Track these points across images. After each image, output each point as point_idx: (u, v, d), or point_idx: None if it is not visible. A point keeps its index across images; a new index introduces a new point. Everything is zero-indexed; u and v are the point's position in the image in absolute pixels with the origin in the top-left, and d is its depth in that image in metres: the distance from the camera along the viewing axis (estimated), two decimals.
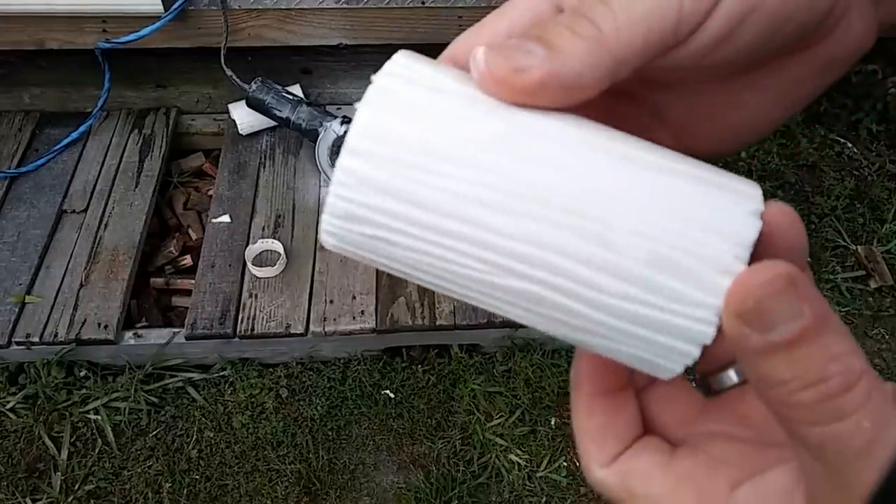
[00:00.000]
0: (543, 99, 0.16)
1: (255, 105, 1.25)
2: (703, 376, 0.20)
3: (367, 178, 0.16)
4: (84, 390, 1.15)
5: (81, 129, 1.34)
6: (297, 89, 1.34)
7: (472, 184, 0.16)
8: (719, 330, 0.15)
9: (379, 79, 0.16)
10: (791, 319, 0.14)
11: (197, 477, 1.09)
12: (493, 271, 0.16)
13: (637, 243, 0.15)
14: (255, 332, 1.11)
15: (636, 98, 0.20)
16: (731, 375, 0.19)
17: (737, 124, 0.20)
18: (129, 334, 1.13)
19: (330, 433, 1.13)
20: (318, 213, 1.26)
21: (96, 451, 1.11)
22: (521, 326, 1.15)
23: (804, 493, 0.16)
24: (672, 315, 0.15)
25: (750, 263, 0.15)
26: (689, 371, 0.17)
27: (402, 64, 0.17)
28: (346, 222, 0.17)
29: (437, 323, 1.13)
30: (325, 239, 0.18)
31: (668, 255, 0.15)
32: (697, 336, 0.15)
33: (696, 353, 0.16)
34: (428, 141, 0.16)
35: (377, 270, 1.19)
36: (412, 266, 0.17)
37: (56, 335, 1.10)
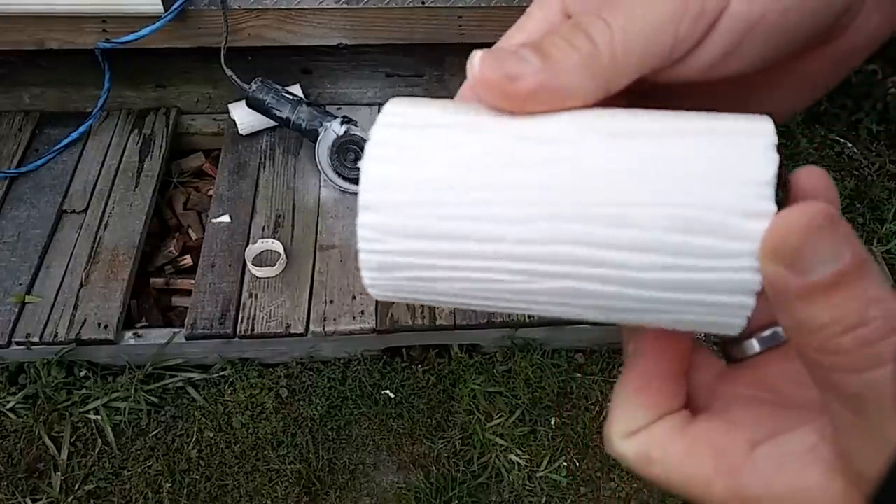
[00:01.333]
0: (534, 106, 0.16)
1: (255, 105, 1.25)
2: (725, 344, 0.20)
3: (386, 228, 0.17)
4: (84, 390, 1.15)
5: (81, 129, 1.34)
6: (297, 89, 1.34)
7: (481, 204, 0.16)
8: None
9: (375, 133, 0.17)
10: (832, 260, 0.13)
11: (197, 477, 1.09)
12: (528, 279, 0.16)
13: (653, 212, 0.15)
14: (255, 332, 1.11)
15: (646, 95, 0.20)
16: (754, 344, 0.19)
17: None
18: (129, 334, 1.13)
19: (330, 433, 1.13)
20: (318, 213, 1.26)
21: (96, 451, 1.11)
22: (521, 326, 1.16)
23: (828, 452, 0.15)
24: (713, 272, 0.15)
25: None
26: (709, 338, 0.17)
27: (394, 112, 0.18)
28: (382, 272, 0.18)
29: (437, 323, 1.13)
30: (371, 292, 0.19)
31: (688, 214, 0.15)
32: (746, 285, 0.15)
33: (750, 301, 0.15)
34: (431, 177, 0.16)
35: None
36: (455, 294, 0.18)
37: (56, 335, 1.10)
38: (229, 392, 1.16)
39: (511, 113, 0.17)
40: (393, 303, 1.15)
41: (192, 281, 1.18)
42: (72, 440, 1.12)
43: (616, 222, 0.15)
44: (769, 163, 0.15)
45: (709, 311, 0.16)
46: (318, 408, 1.15)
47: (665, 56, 0.16)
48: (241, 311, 1.13)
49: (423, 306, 1.15)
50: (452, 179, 0.16)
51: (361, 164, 0.17)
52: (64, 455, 1.10)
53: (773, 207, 0.15)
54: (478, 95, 0.17)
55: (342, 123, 1.23)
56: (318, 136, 1.24)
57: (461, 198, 0.16)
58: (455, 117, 0.17)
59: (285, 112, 1.24)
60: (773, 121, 0.16)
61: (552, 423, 1.16)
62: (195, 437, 1.12)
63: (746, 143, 0.15)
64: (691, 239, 0.15)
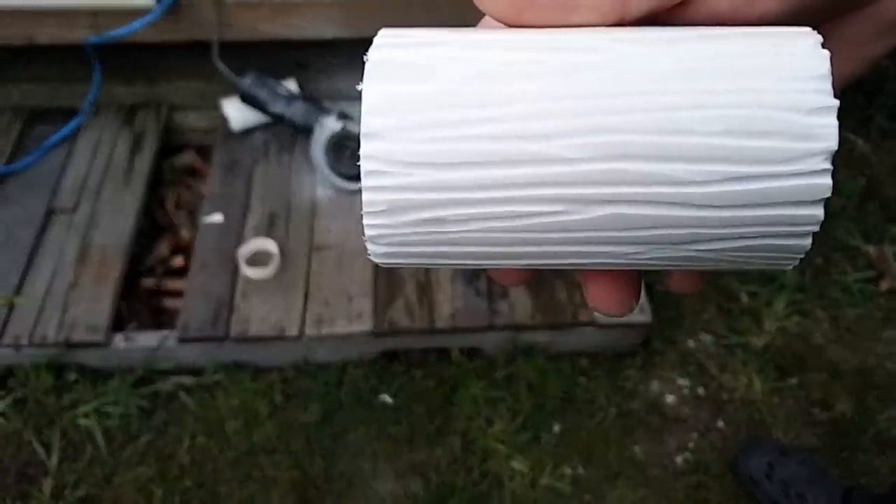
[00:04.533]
0: (546, 15, 0.14)
1: (249, 100, 1.22)
2: None
3: (394, 156, 0.14)
4: (74, 394, 1.12)
5: (71, 125, 1.31)
6: (292, 84, 1.30)
7: (506, 119, 0.14)
8: None
9: (371, 55, 0.15)
10: None
11: (189, 484, 1.07)
12: (564, 208, 0.14)
13: (709, 116, 0.13)
14: (249, 334, 1.09)
15: None
16: None
17: None
18: (119, 337, 1.11)
19: (326, 439, 1.10)
20: (314, 212, 1.23)
21: (87, 456, 1.09)
22: (524, 329, 1.12)
23: None
24: (777, 179, 0.14)
25: None
26: None
27: (389, 34, 0.16)
28: (390, 217, 0.15)
29: (437, 325, 1.10)
30: (374, 249, 0.16)
31: (748, 115, 0.13)
32: (815, 191, 0.14)
33: (820, 213, 0.14)
34: (444, 92, 0.14)
35: (374, 271, 1.16)
36: (472, 243, 0.15)
37: (45, 337, 1.08)
38: (222, 397, 1.13)
39: (520, 31, 0.15)
40: (391, 305, 1.12)
41: (184, 282, 1.16)
42: (62, 445, 1.09)
43: (667, 129, 0.13)
44: (823, 58, 0.14)
45: (779, 231, 0.14)
46: (314, 413, 1.12)
47: None
48: (233, 314, 1.10)
49: (421, 308, 1.12)
50: (469, 93, 0.14)
51: (361, 87, 0.15)
52: (54, 460, 1.08)
53: (836, 102, 0.13)
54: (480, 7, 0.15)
55: (338, 119, 1.20)
56: (313, 133, 1.21)
57: (481, 114, 0.14)
58: (461, 35, 0.15)
59: (279, 108, 1.21)
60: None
61: (555, 429, 1.13)
62: (187, 443, 1.10)
63: (794, 40, 0.14)
64: (754, 142, 0.13)
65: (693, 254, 0.15)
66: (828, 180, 0.14)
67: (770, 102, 0.13)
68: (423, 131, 0.14)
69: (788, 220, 0.14)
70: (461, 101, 0.14)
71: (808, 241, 0.14)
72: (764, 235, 0.14)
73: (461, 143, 0.14)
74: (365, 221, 0.15)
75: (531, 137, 0.14)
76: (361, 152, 0.14)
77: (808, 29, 0.14)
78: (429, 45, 0.15)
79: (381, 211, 0.15)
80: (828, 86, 0.13)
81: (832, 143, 0.13)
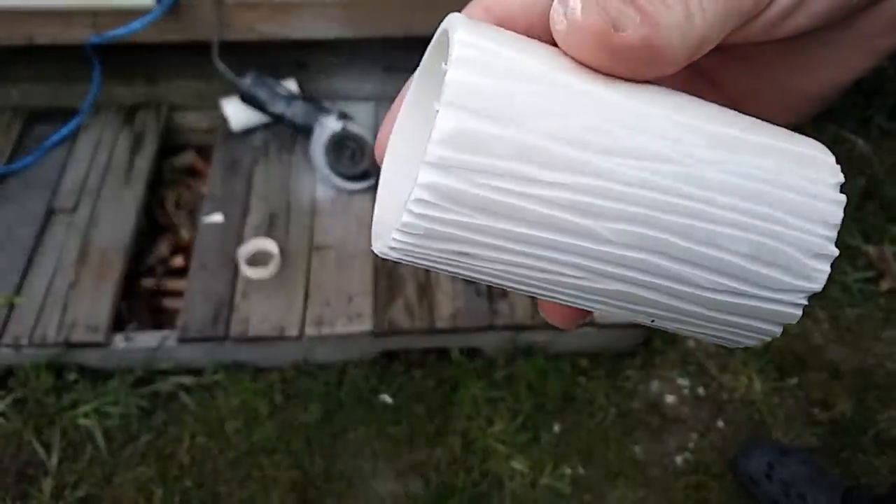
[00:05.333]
0: (628, 66, 0.15)
1: (249, 100, 1.22)
2: None
3: (450, 194, 0.14)
4: (74, 394, 1.12)
5: (71, 125, 1.31)
6: (292, 84, 1.30)
7: (570, 190, 0.14)
8: None
9: (455, 72, 0.14)
10: None
11: (189, 484, 1.07)
12: (591, 277, 0.15)
13: (742, 237, 0.15)
14: (249, 334, 1.09)
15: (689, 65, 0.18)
16: None
17: (802, 89, 0.18)
18: (119, 337, 1.10)
19: (326, 439, 1.10)
20: (314, 212, 1.23)
21: (87, 456, 1.09)
22: (524, 329, 1.12)
23: None
24: (766, 302, 0.16)
25: None
26: None
27: (474, 45, 0.15)
28: (424, 240, 0.15)
29: (437, 325, 1.10)
30: (387, 253, 0.16)
31: (769, 246, 0.15)
32: (787, 318, 0.16)
33: (779, 331, 0.16)
34: (521, 145, 0.14)
35: (374, 271, 1.16)
36: (492, 275, 0.16)
37: (45, 337, 1.08)
38: (222, 397, 1.13)
39: (593, 73, 0.15)
40: (391, 305, 1.12)
41: (184, 282, 1.15)
42: (62, 445, 1.09)
43: (705, 240, 0.15)
44: (839, 205, 0.16)
45: (740, 333, 0.17)
46: (314, 413, 1.12)
47: (746, 12, 0.15)
48: (233, 314, 1.10)
49: (421, 308, 1.12)
50: (545, 154, 0.14)
51: (440, 104, 0.14)
52: (54, 460, 1.08)
53: (836, 252, 0.16)
54: (563, 45, 0.15)
55: (338, 119, 1.20)
56: (313, 133, 1.21)
57: (550, 177, 0.14)
58: (545, 69, 0.15)
59: (279, 108, 1.21)
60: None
61: (555, 429, 1.13)
62: (187, 442, 1.10)
63: (823, 178, 0.16)
64: (765, 270, 0.15)
65: (668, 325, 0.17)
66: (799, 313, 0.16)
67: (790, 239, 0.15)
68: (490, 178, 0.14)
69: (754, 329, 0.16)
70: (536, 159, 0.14)
71: (756, 343, 0.17)
72: (730, 332, 0.16)
73: (521, 201, 0.14)
74: (394, 235, 0.15)
75: (586, 213, 0.14)
76: (421, 178, 0.14)
77: (830, 157, 0.16)
78: (516, 79, 0.14)
79: (416, 234, 0.15)
80: (835, 234, 0.16)
81: (819, 286, 0.16)
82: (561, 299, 0.17)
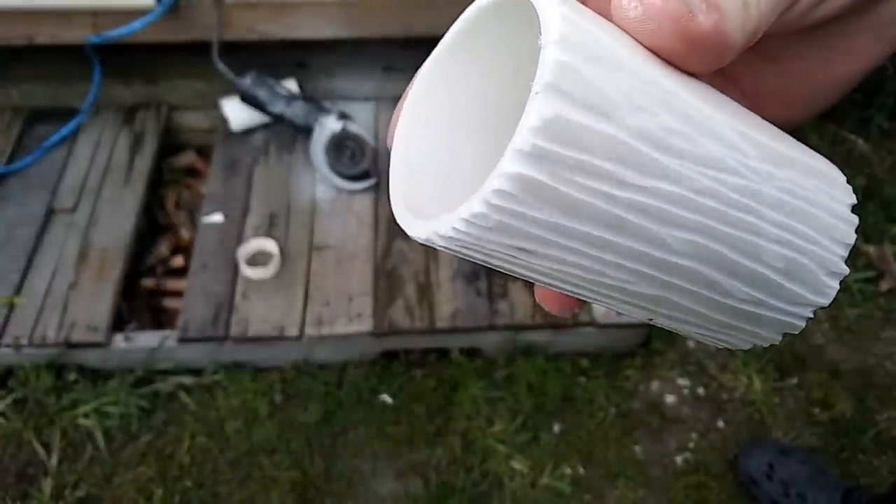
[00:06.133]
0: (699, 56, 0.15)
1: (249, 100, 1.22)
2: None
3: (532, 187, 0.13)
4: (74, 394, 1.12)
5: (71, 125, 1.31)
6: (292, 84, 1.30)
7: (650, 195, 0.14)
8: None
9: (559, 52, 0.13)
10: None
11: (189, 484, 1.07)
12: (636, 281, 0.15)
13: (779, 252, 0.15)
14: (249, 335, 1.09)
15: None
16: None
17: (820, 82, 0.18)
18: (119, 337, 1.10)
19: (326, 440, 1.10)
20: (314, 212, 1.23)
21: (87, 456, 1.09)
22: (523, 329, 1.12)
23: None
24: (779, 314, 0.16)
25: None
26: None
27: (576, 25, 0.13)
28: (489, 233, 0.14)
29: (437, 325, 1.10)
30: (434, 240, 0.15)
31: (800, 262, 0.16)
32: (791, 328, 0.17)
33: (779, 339, 0.17)
34: (612, 143, 0.13)
35: (374, 271, 1.16)
36: (540, 273, 0.15)
37: (45, 337, 1.08)
38: (222, 397, 1.13)
39: (662, 63, 0.15)
40: (391, 305, 1.12)
41: (184, 282, 1.15)
42: (62, 445, 1.09)
43: (752, 254, 0.15)
44: (854, 225, 0.17)
45: (744, 338, 0.17)
46: (314, 413, 1.12)
47: (789, 2, 0.15)
48: (233, 314, 1.10)
49: (421, 308, 1.12)
50: (633, 154, 0.13)
51: (538, 86, 0.13)
52: (54, 460, 1.08)
53: (847, 270, 0.16)
54: (635, 32, 0.15)
55: (338, 119, 1.20)
56: (313, 133, 1.21)
57: (639, 181, 0.14)
58: (634, 59, 0.14)
59: (279, 108, 1.21)
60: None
61: (555, 429, 1.13)
62: (187, 443, 1.10)
63: (840, 199, 0.16)
64: (790, 285, 0.16)
65: (674, 325, 0.17)
66: (803, 324, 0.17)
67: (817, 257, 0.16)
68: (579, 176, 0.13)
69: (758, 336, 0.17)
70: (626, 160, 0.13)
71: (750, 347, 0.17)
72: (734, 336, 0.17)
73: (606, 203, 0.13)
74: (458, 226, 0.14)
75: (661, 220, 0.14)
76: (507, 167, 0.13)
77: (842, 176, 0.17)
78: (613, 65, 0.13)
79: (485, 227, 0.14)
80: (847, 253, 0.16)
81: (828, 301, 0.16)
82: (591, 297, 0.16)
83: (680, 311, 0.16)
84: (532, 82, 0.13)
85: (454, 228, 0.14)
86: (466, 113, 0.19)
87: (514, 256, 0.15)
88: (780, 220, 0.15)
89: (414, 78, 0.19)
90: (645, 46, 0.15)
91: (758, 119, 0.16)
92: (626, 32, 0.15)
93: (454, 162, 0.19)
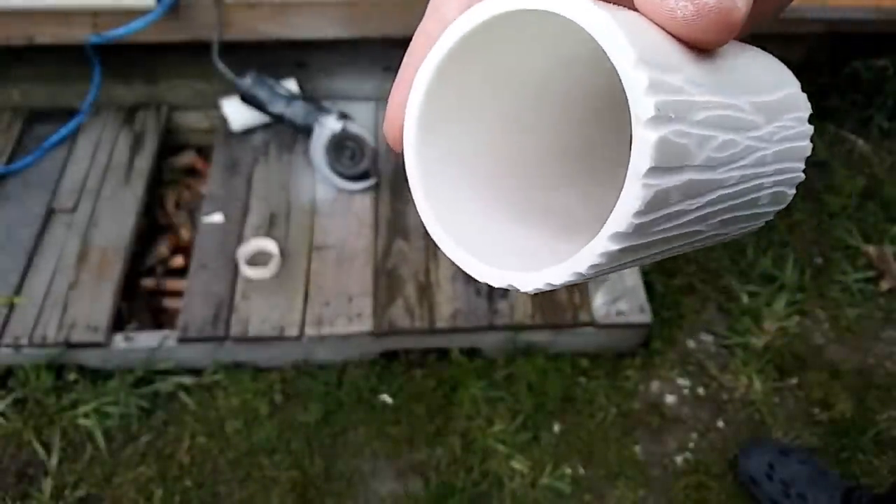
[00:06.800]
0: (726, 37, 0.16)
1: (249, 100, 1.22)
2: None
3: (636, 248, 0.16)
4: (74, 394, 1.12)
5: (71, 125, 1.31)
6: (292, 84, 1.30)
7: (710, 205, 0.17)
8: None
9: (654, 130, 0.15)
10: None
11: (189, 484, 1.07)
12: (727, 216, 0.18)
13: (769, 192, 0.20)
14: (249, 335, 1.08)
15: None
16: None
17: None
18: (119, 337, 1.10)
19: (326, 440, 1.10)
20: (314, 212, 1.23)
21: (87, 456, 1.08)
22: (524, 329, 1.12)
23: None
24: (764, 217, 0.21)
25: None
26: None
27: (657, 65, 0.15)
28: (595, 271, 0.17)
29: (436, 325, 1.10)
30: (542, 287, 0.17)
31: (782, 192, 0.21)
32: (804, 153, 0.21)
33: (801, 167, 0.21)
34: (695, 185, 0.16)
35: (374, 271, 1.16)
36: (687, 238, 0.18)
37: (45, 337, 1.08)
38: (222, 397, 1.13)
39: (682, 48, 0.16)
40: (391, 305, 1.12)
41: (184, 282, 1.15)
42: (62, 445, 1.09)
43: (753, 204, 0.20)
44: (810, 135, 0.21)
45: (789, 182, 0.21)
46: (314, 413, 1.12)
47: None
48: (233, 314, 1.10)
49: (421, 308, 1.12)
50: (705, 184, 0.16)
51: (633, 175, 0.15)
52: (54, 460, 1.08)
53: (803, 177, 0.21)
54: (683, 29, 0.15)
55: (338, 119, 1.20)
56: (313, 133, 1.21)
57: (706, 198, 0.17)
58: (681, 56, 0.16)
59: (279, 108, 1.21)
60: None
61: (555, 429, 1.13)
62: (187, 443, 1.10)
63: (805, 117, 0.21)
64: (769, 207, 0.21)
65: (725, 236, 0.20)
66: (809, 146, 0.21)
67: (790, 182, 0.21)
68: (667, 222, 0.16)
69: (790, 173, 0.21)
70: (703, 189, 0.16)
71: (793, 192, 0.22)
72: (749, 227, 0.21)
73: (689, 224, 0.17)
74: (605, 246, 0.16)
75: (743, 168, 0.18)
76: (598, 248, 0.15)
77: (803, 93, 0.21)
78: (690, 105, 0.15)
79: (591, 272, 0.16)
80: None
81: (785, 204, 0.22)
82: (690, 243, 0.19)
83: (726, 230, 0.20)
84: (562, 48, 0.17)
85: (604, 249, 0.16)
86: (480, 105, 0.20)
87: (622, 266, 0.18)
88: (774, 170, 0.19)
89: (416, 79, 0.19)
90: (666, 32, 0.16)
91: (753, 69, 0.19)
92: (674, 30, 0.16)
93: (483, 166, 0.21)
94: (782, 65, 0.21)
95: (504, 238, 0.20)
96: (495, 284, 0.18)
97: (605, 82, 0.21)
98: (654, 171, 0.14)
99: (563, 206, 0.23)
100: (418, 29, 0.19)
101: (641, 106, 0.14)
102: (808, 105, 0.21)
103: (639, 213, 0.15)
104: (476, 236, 0.20)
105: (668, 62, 0.15)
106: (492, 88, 0.20)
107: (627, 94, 0.14)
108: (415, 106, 0.19)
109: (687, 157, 0.15)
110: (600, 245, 0.15)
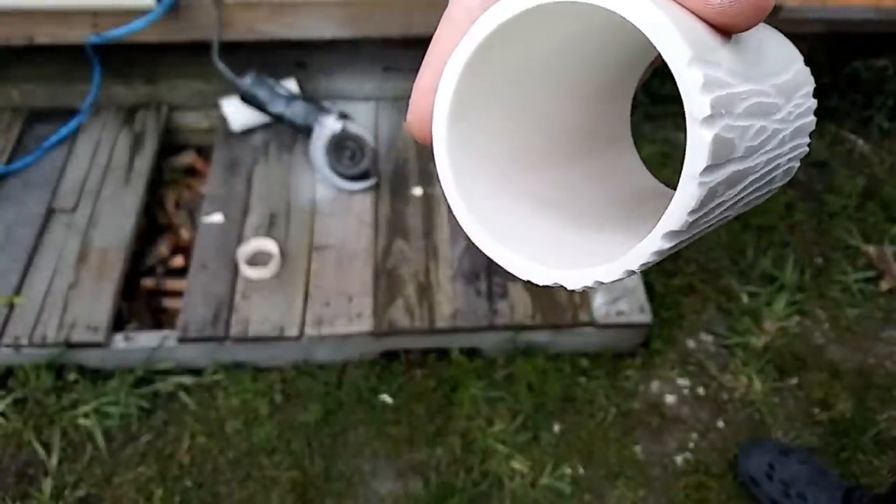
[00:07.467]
0: (758, 20, 0.16)
1: (249, 100, 1.22)
2: None
3: (716, 188, 0.16)
4: (74, 394, 1.12)
5: (71, 125, 1.31)
6: (292, 84, 1.30)
7: (740, 190, 0.18)
8: None
9: (708, 129, 0.15)
10: None
11: (189, 484, 1.06)
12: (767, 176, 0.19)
13: (784, 168, 0.20)
14: (249, 335, 1.08)
15: None
16: None
17: None
18: (119, 337, 1.10)
19: (326, 440, 1.10)
20: (314, 212, 1.23)
21: (87, 456, 1.08)
22: (524, 329, 1.12)
23: None
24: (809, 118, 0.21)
25: None
26: None
27: (708, 62, 0.15)
28: (695, 216, 0.17)
29: (436, 325, 1.10)
30: (591, 284, 0.17)
31: (791, 167, 0.21)
32: (810, 129, 0.21)
33: (806, 143, 0.21)
34: (739, 173, 0.16)
35: (374, 271, 1.16)
36: (742, 199, 0.19)
37: (45, 337, 1.08)
38: (222, 397, 1.13)
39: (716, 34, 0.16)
40: (390, 305, 1.12)
41: (184, 282, 1.15)
42: (62, 445, 1.09)
43: (772, 179, 0.20)
44: (814, 109, 0.21)
45: (794, 158, 0.21)
46: (314, 413, 1.12)
47: None
48: (233, 314, 1.10)
49: (421, 308, 1.12)
50: (744, 174, 0.17)
51: (688, 175, 0.15)
52: (54, 460, 1.08)
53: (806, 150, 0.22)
54: (719, 16, 0.16)
55: (338, 119, 1.20)
56: (313, 133, 1.21)
57: (748, 179, 0.17)
58: (726, 59, 0.16)
59: (279, 108, 1.21)
60: None
61: (555, 429, 1.13)
62: (187, 442, 1.10)
63: (810, 88, 0.21)
64: (780, 181, 0.21)
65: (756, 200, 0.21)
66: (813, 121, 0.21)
67: (798, 155, 0.21)
68: (711, 208, 0.16)
69: (800, 148, 0.21)
70: (743, 179, 0.17)
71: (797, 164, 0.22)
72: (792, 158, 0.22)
73: (729, 196, 0.17)
74: (624, 269, 0.16)
75: (779, 120, 0.18)
76: (650, 248, 0.16)
77: (803, 61, 0.21)
78: (738, 99, 0.16)
79: (685, 226, 0.16)
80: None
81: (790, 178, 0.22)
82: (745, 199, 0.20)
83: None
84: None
85: (624, 271, 0.17)
86: (497, 94, 0.20)
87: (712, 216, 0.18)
88: (790, 148, 0.19)
89: (445, 74, 0.19)
90: (696, 16, 0.16)
91: (768, 47, 0.19)
92: (709, 16, 0.16)
93: (502, 155, 0.21)
94: (784, 37, 0.21)
95: (536, 232, 0.20)
96: (540, 283, 0.18)
97: (612, 59, 0.21)
98: (708, 169, 0.15)
99: (573, 185, 0.23)
100: (444, 16, 0.19)
101: (697, 105, 0.14)
102: (812, 78, 0.21)
103: (693, 211, 0.15)
104: (511, 232, 0.19)
105: (713, 56, 0.15)
106: (509, 75, 0.20)
107: (682, 93, 0.15)
108: (445, 100, 0.18)
109: (732, 150, 0.16)
110: (654, 244, 0.16)
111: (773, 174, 0.19)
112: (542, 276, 0.18)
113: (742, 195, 0.18)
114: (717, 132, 0.15)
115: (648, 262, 0.16)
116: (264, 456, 1.08)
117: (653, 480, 1.08)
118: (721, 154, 0.15)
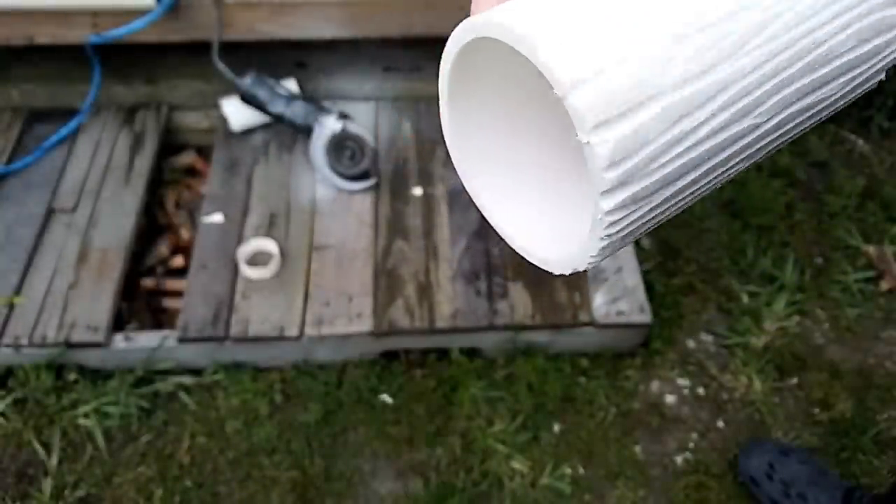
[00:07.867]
0: None
1: (249, 100, 1.22)
2: None
3: (636, 198, 0.15)
4: (74, 394, 1.12)
5: (71, 125, 1.31)
6: (292, 84, 1.30)
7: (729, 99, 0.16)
8: None
9: (611, 172, 0.15)
10: None
11: (189, 484, 1.07)
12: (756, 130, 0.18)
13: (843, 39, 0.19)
14: (249, 335, 1.08)
15: None
16: None
17: None
18: (119, 337, 1.10)
19: (326, 440, 1.10)
20: (314, 212, 1.23)
21: (87, 456, 1.09)
22: (524, 329, 1.12)
23: None
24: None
25: None
26: None
27: (581, 53, 0.15)
28: (618, 241, 0.17)
29: (436, 325, 1.10)
30: (591, 261, 0.17)
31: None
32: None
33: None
34: (668, 106, 0.15)
35: (374, 271, 1.16)
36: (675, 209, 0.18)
37: (45, 337, 1.08)
38: (222, 397, 1.13)
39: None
40: (391, 305, 1.12)
41: (184, 282, 1.15)
42: (62, 445, 1.09)
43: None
44: None
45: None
46: (314, 413, 1.12)
47: None
48: (233, 314, 1.10)
49: (421, 308, 1.12)
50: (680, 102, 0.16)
51: (588, 136, 0.14)
52: (54, 460, 1.08)
53: None
54: None
55: (338, 119, 1.20)
56: (313, 133, 1.21)
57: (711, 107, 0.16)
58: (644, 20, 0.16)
59: (279, 108, 1.21)
60: None
61: (555, 429, 1.13)
62: (187, 442, 1.10)
63: None
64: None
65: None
66: None
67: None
68: (658, 159, 0.15)
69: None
70: (671, 115, 0.15)
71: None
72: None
73: (681, 161, 0.16)
74: (595, 244, 0.16)
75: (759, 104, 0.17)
76: (602, 208, 0.15)
77: None
78: (621, 62, 0.15)
79: (612, 241, 0.16)
80: None
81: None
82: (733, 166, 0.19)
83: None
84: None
85: (597, 249, 0.16)
86: (490, 79, 0.20)
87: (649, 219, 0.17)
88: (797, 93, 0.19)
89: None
90: None
91: None
92: None
93: (503, 138, 0.21)
94: None
95: (543, 217, 0.20)
96: (562, 272, 0.18)
97: None
98: (597, 127, 0.14)
99: (554, 157, 0.22)
100: None
101: (599, 179, 0.15)
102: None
103: (610, 227, 0.15)
104: (527, 222, 0.20)
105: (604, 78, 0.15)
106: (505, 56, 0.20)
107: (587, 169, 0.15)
108: (449, 58, 0.19)
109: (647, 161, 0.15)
110: (590, 250, 0.16)
111: (769, 136, 0.18)
112: (561, 265, 0.18)
113: (701, 181, 0.17)
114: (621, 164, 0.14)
115: (616, 230, 0.16)
116: (264, 456, 1.08)
117: (653, 480, 1.08)
118: (629, 171, 0.15)
